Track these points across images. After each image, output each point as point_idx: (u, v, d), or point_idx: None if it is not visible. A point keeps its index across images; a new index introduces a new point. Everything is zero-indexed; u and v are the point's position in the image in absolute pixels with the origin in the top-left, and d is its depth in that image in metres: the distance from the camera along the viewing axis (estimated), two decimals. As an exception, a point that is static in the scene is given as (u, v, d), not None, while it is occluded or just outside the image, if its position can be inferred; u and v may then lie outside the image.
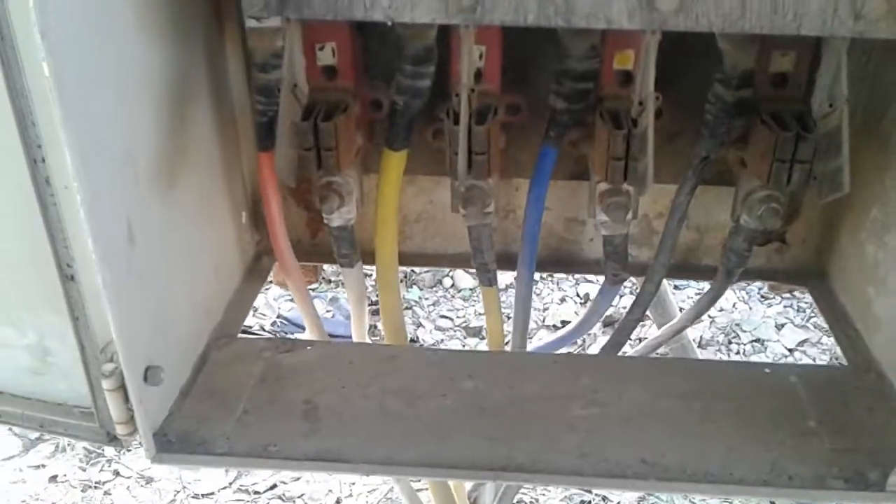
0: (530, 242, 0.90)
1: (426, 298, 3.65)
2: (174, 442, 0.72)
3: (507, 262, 0.97)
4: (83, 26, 0.56)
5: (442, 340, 3.24)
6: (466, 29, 0.71)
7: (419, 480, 1.33)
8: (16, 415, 0.78)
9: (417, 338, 3.24)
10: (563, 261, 1.00)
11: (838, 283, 0.91)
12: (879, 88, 0.82)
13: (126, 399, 0.69)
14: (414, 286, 3.72)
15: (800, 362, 2.88)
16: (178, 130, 0.75)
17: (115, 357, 0.67)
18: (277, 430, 0.73)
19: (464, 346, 3.25)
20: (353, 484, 2.67)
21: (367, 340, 1.06)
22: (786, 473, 0.66)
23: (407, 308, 3.56)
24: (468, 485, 1.28)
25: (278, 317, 3.27)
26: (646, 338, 1.53)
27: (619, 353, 0.96)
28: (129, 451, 2.72)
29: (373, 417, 0.75)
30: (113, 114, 0.62)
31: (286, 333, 2.97)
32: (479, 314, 3.24)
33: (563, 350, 1.14)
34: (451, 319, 3.51)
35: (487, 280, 0.93)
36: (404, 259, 1.01)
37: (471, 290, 3.51)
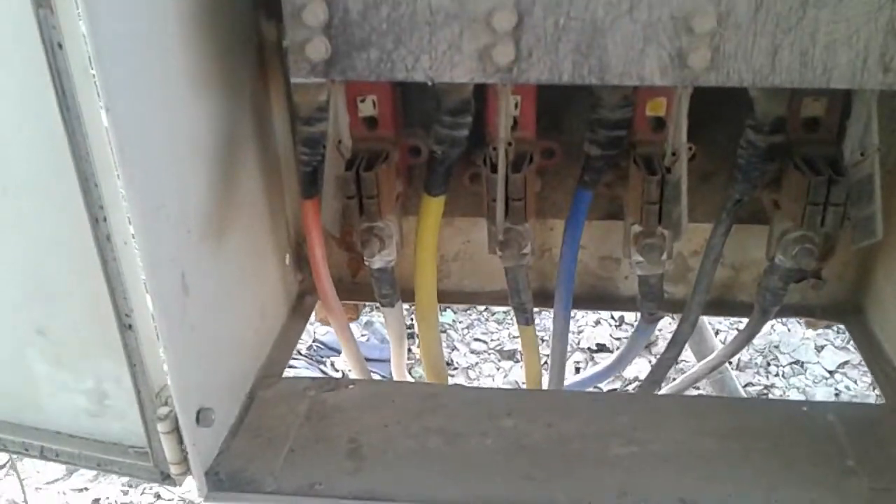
0: (566, 281, 0.92)
1: (460, 322, 3.66)
2: (224, 480, 0.75)
3: (544, 298, 0.99)
4: (143, 96, 0.60)
5: (476, 363, 3.25)
6: (504, 86, 0.74)
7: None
8: (74, 454, 0.82)
9: (452, 360, 3.25)
10: (599, 298, 1.02)
11: (875, 319, 0.92)
12: None
13: (180, 440, 0.72)
14: (448, 309, 3.73)
15: (838, 398, 2.84)
16: (227, 185, 0.79)
17: (170, 401, 0.71)
18: (323, 468, 0.75)
19: (498, 368, 3.24)
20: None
21: (408, 378, 1.08)
22: (824, 514, 0.67)
23: (442, 331, 3.58)
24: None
25: (314, 341, 3.31)
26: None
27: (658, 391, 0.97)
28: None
29: (415, 456, 0.77)
30: (168, 175, 0.66)
31: (322, 357, 3.00)
32: (514, 337, 3.24)
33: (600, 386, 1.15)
34: (486, 343, 3.52)
35: (525, 320, 0.95)
36: (443, 297, 1.03)
37: (504, 312, 3.51)
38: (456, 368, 3.23)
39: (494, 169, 0.81)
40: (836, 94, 0.78)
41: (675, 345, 0.88)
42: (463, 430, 0.80)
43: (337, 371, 2.91)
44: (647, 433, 0.77)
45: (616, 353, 1.04)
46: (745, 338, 0.91)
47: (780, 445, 0.75)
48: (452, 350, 3.46)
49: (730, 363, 2.09)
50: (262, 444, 0.79)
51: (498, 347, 3.31)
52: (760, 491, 0.70)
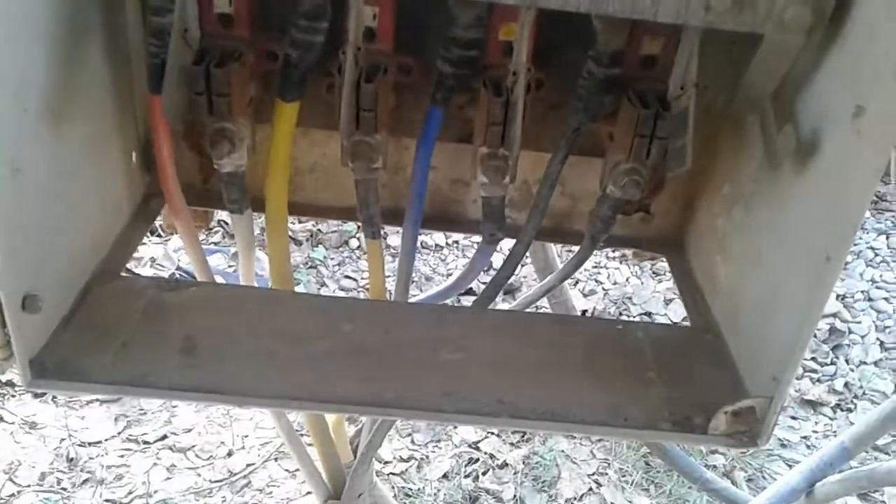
0: (417, 200, 0.95)
1: (331, 258, 3.67)
2: (50, 369, 0.74)
3: (396, 217, 1.01)
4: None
5: (344, 300, 3.26)
6: (357, -10, 0.75)
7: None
8: None
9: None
10: (449, 220, 1.05)
11: (692, 252, 1.00)
12: (740, 74, 0.89)
13: (3, 325, 0.71)
14: (320, 245, 3.73)
15: (652, 322, 3.09)
16: (70, 70, 0.76)
17: (-5, 284, 0.69)
18: (155, 362, 0.76)
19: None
20: (246, 436, 2.69)
21: (254, 285, 1.08)
22: (622, 416, 0.74)
23: (312, 267, 3.57)
24: (350, 431, 1.33)
25: (177, 268, 3.23)
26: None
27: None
28: (14, 396, 2.65)
29: (250, 355, 0.78)
30: (4, 46, 0.63)
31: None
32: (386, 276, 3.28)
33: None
34: (356, 280, 3.55)
35: (372, 233, 0.97)
36: (295, 209, 1.04)
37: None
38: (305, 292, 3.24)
39: (347, 78, 0.82)
40: (672, 35, 0.83)
41: (508, 265, 0.92)
42: (301, 333, 0.82)
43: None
44: (475, 342, 0.82)
45: (457, 273, 1.08)
46: (575, 263, 0.97)
47: (591, 356, 0.81)
48: (322, 286, 3.47)
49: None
50: (93, 336, 0.78)
51: (367, 285, 3.34)
52: (568, 395, 0.76)
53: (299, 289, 3.20)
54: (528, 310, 1.17)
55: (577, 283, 3.72)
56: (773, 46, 0.72)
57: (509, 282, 3.29)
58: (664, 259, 1.03)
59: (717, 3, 0.67)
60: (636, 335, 0.84)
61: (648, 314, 3.62)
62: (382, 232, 1.01)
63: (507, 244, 0.99)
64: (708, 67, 0.82)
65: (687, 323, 0.91)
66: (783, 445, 2.89)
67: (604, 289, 3.75)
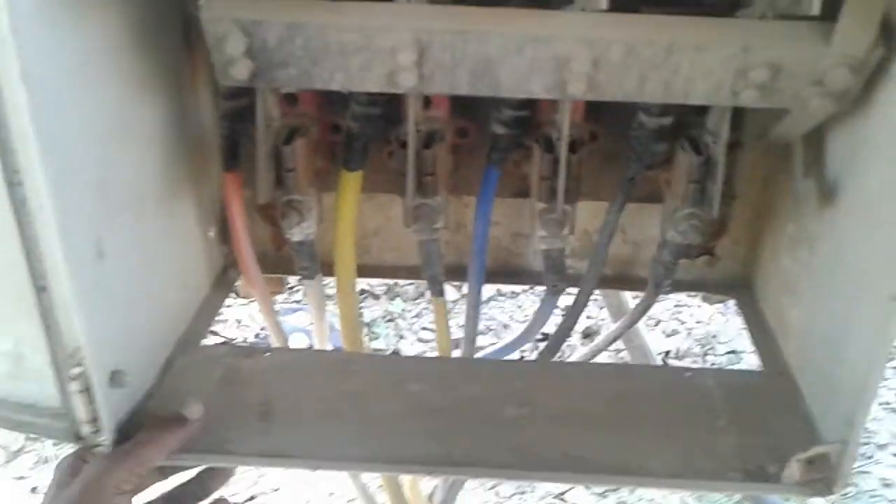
0: (479, 257, 0.97)
1: (409, 311, 3.70)
2: (135, 439, 0.78)
3: (461, 273, 1.03)
4: (61, 69, 0.63)
5: (424, 352, 3.29)
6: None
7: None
8: (-9, 415, 0.84)
9: (400, 349, 3.29)
10: (511, 272, 1.07)
11: (761, 293, 0.98)
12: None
13: (92, 401, 0.75)
14: (397, 298, 3.76)
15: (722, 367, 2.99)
16: (148, 158, 0.82)
17: (84, 362, 0.74)
18: (234, 429, 0.79)
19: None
20: (332, 494, 2.71)
21: (329, 347, 1.12)
22: (692, 466, 0.73)
23: (390, 320, 3.61)
24: (426, 488, 1.34)
25: (262, 328, 3.33)
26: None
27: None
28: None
29: (323, 417, 0.81)
30: (85, 146, 0.69)
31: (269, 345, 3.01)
32: (461, 326, 3.30)
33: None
34: (434, 332, 3.55)
35: (437, 291, 0.99)
36: (364, 271, 1.07)
37: (453, 302, 3.56)
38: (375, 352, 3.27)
39: (405, 147, 0.85)
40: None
41: (571, 315, 0.93)
42: (371, 395, 0.84)
43: (285, 356, 2.93)
44: (540, 396, 0.82)
45: (523, 326, 1.09)
46: (641, 310, 0.97)
47: (659, 407, 0.81)
48: (400, 339, 3.49)
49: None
50: (175, 405, 0.82)
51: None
52: (637, 447, 0.76)
53: (378, 342, 3.25)
54: (601, 357, 1.17)
55: (658, 323, 3.64)
56: (800, 114, 0.73)
57: (588, 326, 3.25)
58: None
59: (746, 94, 0.70)
60: (706, 383, 0.83)
61: (734, 352, 3.50)
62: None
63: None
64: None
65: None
66: (886, 485, 2.73)
67: (687, 328, 3.65)
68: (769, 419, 0.79)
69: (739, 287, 1.02)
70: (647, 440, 0.76)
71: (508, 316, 3.61)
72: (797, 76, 0.68)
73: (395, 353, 3.19)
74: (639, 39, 0.68)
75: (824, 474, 0.69)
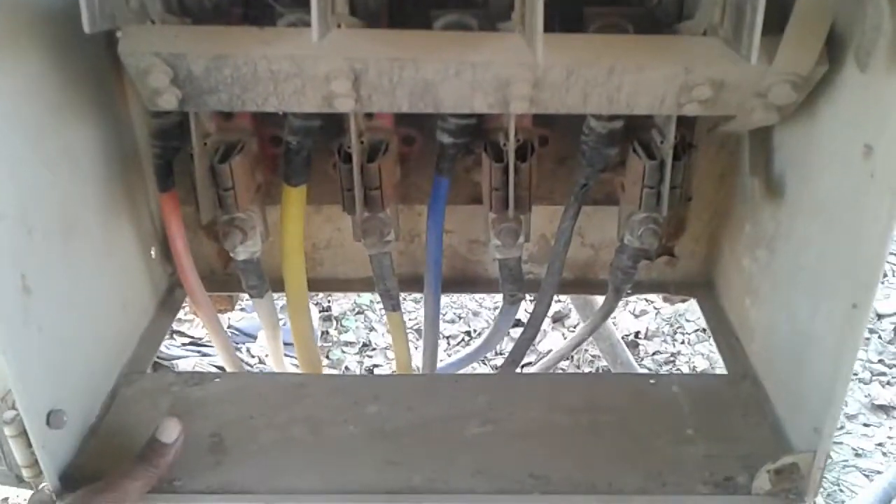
0: (433, 266, 0.94)
1: (378, 302, 3.67)
2: (80, 480, 0.73)
3: (417, 284, 1.00)
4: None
5: (395, 344, 3.24)
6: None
7: None
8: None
9: (370, 342, 3.27)
10: (469, 281, 1.04)
11: (722, 293, 0.97)
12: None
13: (29, 444, 0.71)
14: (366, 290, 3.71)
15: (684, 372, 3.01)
16: (76, 182, 0.77)
17: (16, 405, 0.69)
18: (184, 464, 0.75)
19: (416, 347, 3.29)
20: None
21: (285, 366, 1.08)
22: (661, 480, 0.71)
23: (359, 312, 3.58)
24: None
25: (229, 327, 3.26)
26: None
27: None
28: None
29: (277, 447, 0.77)
30: (3, 178, 0.64)
31: (238, 343, 2.96)
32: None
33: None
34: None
35: (391, 306, 0.96)
36: (317, 285, 1.04)
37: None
38: (374, 349, 3.24)
39: (347, 159, 0.81)
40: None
41: (532, 326, 0.90)
42: (327, 419, 0.81)
43: (253, 357, 2.88)
44: (503, 412, 0.80)
45: (483, 335, 1.07)
46: (602, 316, 0.95)
47: (626, 418, 0.78)
48: (371, 331, 3.46)
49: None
50: (121, 442, 0.78)
51: (416, 327, 3.34)
52: (603, 463, 0.73)
53: (348, 335, 3.21)
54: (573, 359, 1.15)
55: (626, 304, 3.65)
56: (745, 119, 0.72)
57: (557, 310, 3.23)
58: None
59: (690, 107, 0.70)
60: (671, 389, 0.81)
61: (705, 330, 3.53)
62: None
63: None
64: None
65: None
66: (858, 455, 2.77)
67: (655, 307, 3.67)
68: (737, 426, 0.77)
69: (700, 287, 1.00)
70: (614, 455, 0.74)
71: (478, 303, 3.60)
72: (740, 89, 0.67)
73: (366, 345, 3.17)
74: (579, 62, 0.67)
75: (795, 483, 0.67)
